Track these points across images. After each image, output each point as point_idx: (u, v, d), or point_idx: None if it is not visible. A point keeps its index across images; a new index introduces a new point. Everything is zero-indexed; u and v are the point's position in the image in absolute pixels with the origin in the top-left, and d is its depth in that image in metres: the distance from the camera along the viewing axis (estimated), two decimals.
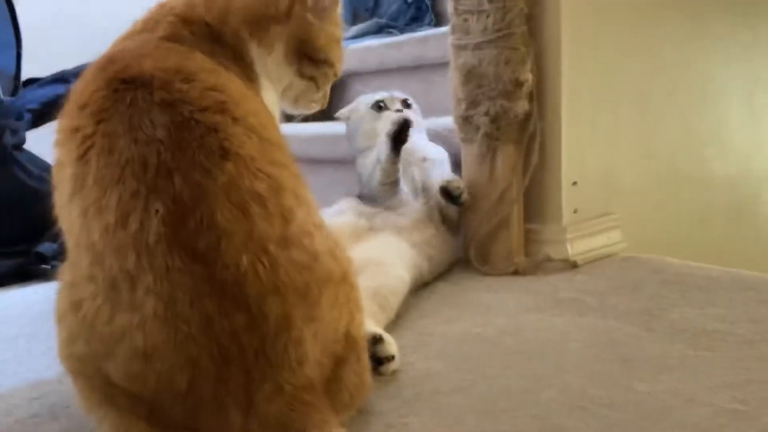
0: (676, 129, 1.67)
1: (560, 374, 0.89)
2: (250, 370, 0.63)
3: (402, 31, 2.48)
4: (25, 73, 1.89)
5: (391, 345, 0.95)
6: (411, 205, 1.36)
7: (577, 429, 0.75)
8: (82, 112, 0.69)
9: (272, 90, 0.92)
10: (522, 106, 1.30)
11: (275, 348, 0.64)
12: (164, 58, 0.73)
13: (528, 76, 1.29)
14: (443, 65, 2.14)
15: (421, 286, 1.27)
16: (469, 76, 1.32)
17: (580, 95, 1.38)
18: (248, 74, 0.86)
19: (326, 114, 2.50)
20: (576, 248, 1.39)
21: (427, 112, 2.20)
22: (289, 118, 1.11)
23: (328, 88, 0.99)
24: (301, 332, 0.66)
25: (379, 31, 2.54)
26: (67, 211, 0.70)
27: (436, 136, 1.55)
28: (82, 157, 0.67)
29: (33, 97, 1.72)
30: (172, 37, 0.79)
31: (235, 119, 0.69)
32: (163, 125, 0.65)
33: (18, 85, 1.85)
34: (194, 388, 0.63)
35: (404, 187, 1.38)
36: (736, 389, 0.82)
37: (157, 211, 0.63)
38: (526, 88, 1.29)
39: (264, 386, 0.64)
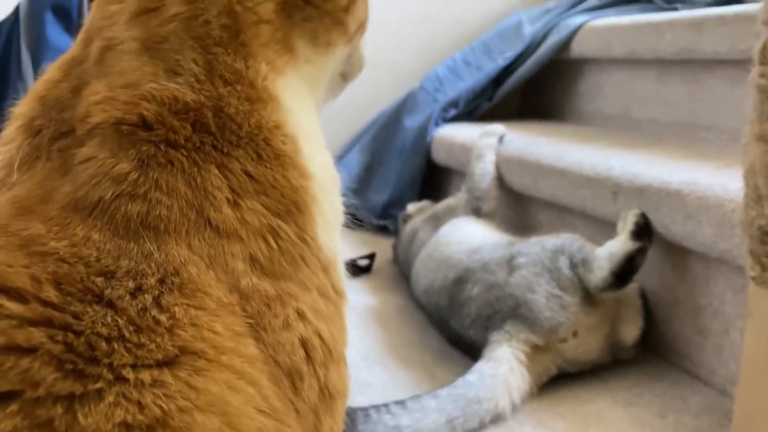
0: None
1: None
2: None
3: (667, 1, 1.80)
4: None
5: None
6: None
7: None
8: None
9: (333, 205, 0.53)
10: None
11: None
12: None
13: None
14: (721, 63, 1.48)
15: None
16: None
17: None
18: (295, 202, 0.47)
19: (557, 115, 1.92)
20: None
21: (690, 123, 1.56)
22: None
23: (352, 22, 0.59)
24: None
25: (628, 1, 1.88)
26: None
27: None
28: None
29: None
30: (105, 211, 0.40)
31: None
32: None
33: None
34: None
35: None
36: None
37: None
38: None
39: None
